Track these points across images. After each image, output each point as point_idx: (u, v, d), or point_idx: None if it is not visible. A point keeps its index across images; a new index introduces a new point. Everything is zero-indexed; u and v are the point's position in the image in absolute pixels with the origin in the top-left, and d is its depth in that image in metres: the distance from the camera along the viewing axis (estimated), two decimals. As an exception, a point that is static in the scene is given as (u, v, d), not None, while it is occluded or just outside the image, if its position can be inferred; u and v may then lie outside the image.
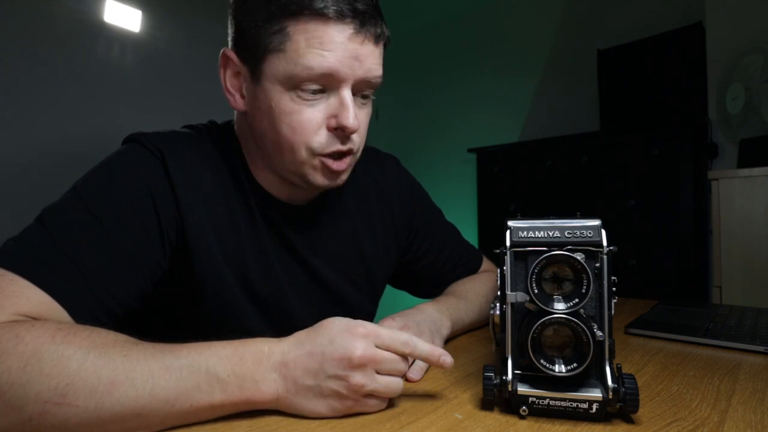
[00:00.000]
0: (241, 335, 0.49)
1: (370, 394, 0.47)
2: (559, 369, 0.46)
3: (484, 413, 0.49)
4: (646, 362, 0.65)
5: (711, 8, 1.88)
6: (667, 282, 1.88)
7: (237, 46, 0.61)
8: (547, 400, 0.46)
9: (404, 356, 0.49)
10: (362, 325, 0.48)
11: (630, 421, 0.46)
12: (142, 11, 2.13)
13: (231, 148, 0.67)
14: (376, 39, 0.60)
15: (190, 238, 0.60)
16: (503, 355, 0.49)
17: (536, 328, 0.45)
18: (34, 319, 0.45)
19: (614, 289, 0.48)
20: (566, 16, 2.65)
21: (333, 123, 0.60)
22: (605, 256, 0.47)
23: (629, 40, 2.21)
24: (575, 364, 0.45)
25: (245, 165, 0.67)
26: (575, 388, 0.46)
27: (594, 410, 0.46)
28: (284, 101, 0.58)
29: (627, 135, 2.03)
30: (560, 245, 0.48)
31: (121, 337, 0.45)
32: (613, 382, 0.46)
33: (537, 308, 0.47)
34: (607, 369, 0.46)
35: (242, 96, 0.63)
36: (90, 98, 1.96)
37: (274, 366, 0.46)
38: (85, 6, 1.97)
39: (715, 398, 0.52)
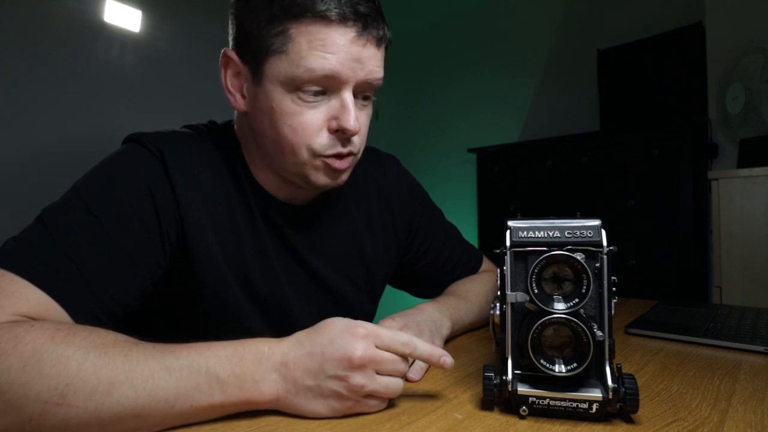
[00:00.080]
0: (241, 335, 0.49)
1: (370, 395, 0.47)
2: (559, 369, 0.46)
3: (484, 413, 0.49)
4: (646, 362, 0.65)
5: (711, 8, 1.88)
6: (667, 282, 1.88)
7: (238, 47, 0.61)
8: (547, 400, 0.46)
9: (404, 357, 0.49)
10: (362, 326, 0.48)
11: (630, 421, 0.46)
12: (142, 11, 2.13)
13: (231, 148, 0.67)
14: (378, 42, 0.59)
15: (190, 238, 0.60)
16: (503, 355, 0.49)
17: (536, 328, 0.45)
18: (34, 319, 0.45)
19: (614, 289, 0.48)
20: (566, 16, 2.65)
21: (334, 125, 0.60)
22: (605, 256, 0.47)
23: (629, 40, 2.21)
24: (575, 364, 0.45)
25: (245, 165, 0.67)
26: (575, 388, 0.46)
27: (594, 410, 0.46)
28: (285, 102, 0.58)
29: (627, 135, 2.03)
30: (560, 245, 0.48)
31: (121, 338, 0.45)
32: (613, 382, 0.46)
33: (537, 308, 0.47)
34: (607, 369, 0.46)
35: (243, 96, 0.63)
36: (90, 98, 1.96)
37: (274, 366, 0.46)
38: (85, 6, 1.97)
39: (715, 398, 0.52)
